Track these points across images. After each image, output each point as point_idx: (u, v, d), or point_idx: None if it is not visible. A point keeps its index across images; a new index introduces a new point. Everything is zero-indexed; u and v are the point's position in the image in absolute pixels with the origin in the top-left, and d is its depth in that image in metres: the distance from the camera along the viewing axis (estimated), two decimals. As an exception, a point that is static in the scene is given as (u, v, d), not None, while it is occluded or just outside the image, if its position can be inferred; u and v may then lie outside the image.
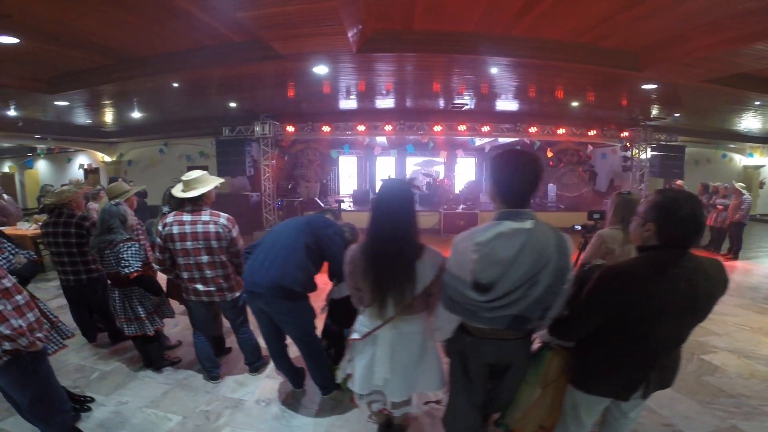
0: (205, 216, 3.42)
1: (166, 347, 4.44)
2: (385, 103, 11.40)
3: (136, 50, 6.99)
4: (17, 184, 16.34)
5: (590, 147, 13.51)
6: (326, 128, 11.85)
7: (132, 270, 3.42)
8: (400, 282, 2.17)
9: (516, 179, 1.88)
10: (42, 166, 16.74)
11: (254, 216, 12.17)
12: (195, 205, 3.45)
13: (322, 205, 12.64)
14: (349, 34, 5.65)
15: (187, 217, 3.40)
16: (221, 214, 3.48)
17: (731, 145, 15.73)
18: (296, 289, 3.04)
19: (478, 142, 14.93)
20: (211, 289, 3.51)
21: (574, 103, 10.56)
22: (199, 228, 3.37)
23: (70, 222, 4.22)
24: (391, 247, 2.17)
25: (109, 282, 3.82)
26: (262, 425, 3.24)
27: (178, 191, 3.54)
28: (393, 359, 2.29)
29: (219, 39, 6.40)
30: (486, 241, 1.84)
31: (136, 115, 11.85)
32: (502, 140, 14.14)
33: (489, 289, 1.85)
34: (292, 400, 3.55)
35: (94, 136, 13.82)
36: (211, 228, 3.39)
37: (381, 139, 15.00)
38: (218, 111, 11.80)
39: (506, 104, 11.30)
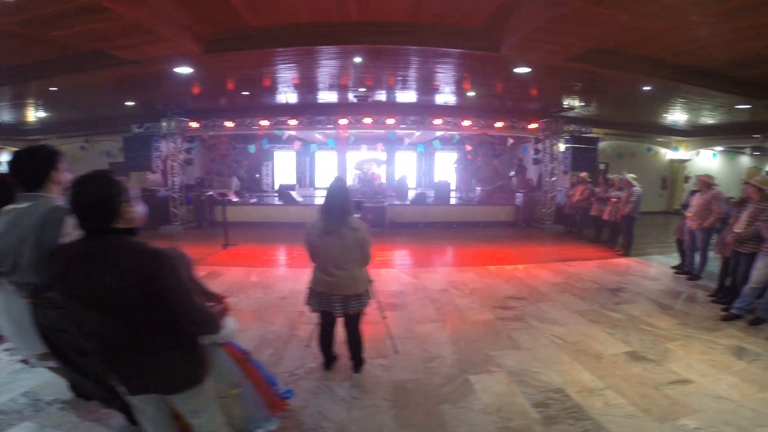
0: None
1: None
2: (289, 98, 10.35)
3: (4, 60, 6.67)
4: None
5: (510, 140, 12.24)
6: (229, 124, 10.90)
7: None
8: None
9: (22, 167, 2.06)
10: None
11: (161, 211, 11.02)
12: None
13: (234, 200, 11.50)
14: (181, 39, 5.42)
15: None
16: None
17: (659, 139, 14.40)
18: None
19: (413, 134, 13.80)
20: None
21: (471, 93, 9.35)
22: None
23: None
24: None
25: None
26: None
27: None
28: (10, 316, 2.29)
29: (70, 50, 6.12)
30: None
31: (44, 114, 11.02)
32: (440, 133, 13.07)
33: None
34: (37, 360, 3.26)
35: (14, 134, 12.78)
36: None
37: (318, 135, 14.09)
38: (131, 109, 10.94)
39: (410, 96, 10.12)
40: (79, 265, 1.47)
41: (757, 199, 4.68)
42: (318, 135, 14.83)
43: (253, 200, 12.85)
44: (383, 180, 15.13)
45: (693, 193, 6.51)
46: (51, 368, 2.68)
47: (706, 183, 6.12)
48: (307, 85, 9.02)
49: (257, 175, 14.81)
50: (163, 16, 4.95)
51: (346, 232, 3.00)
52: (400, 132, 13.43)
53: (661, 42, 5.65)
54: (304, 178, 16.41)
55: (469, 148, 12.53)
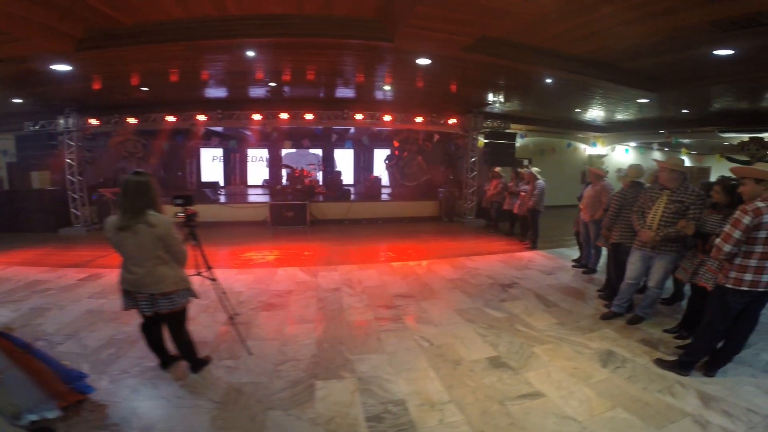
0: None
1: None
2: (196, 93, 9.55)
3: None
4: None
5: (436, 136, 11.98)
6: (132, 120, 10.07)
7: None
8: None
9: None
10: None
11: (60, 212, 9.92)
12: None
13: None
14: (45, 38, 5.09)
15: None
16: None
17: (579, 135, 14.74)
18: None
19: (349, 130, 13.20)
20: None
21: (387, 87, 8.97)
22: None
23: None
24: None
25: None
26: None
27: None
28: None
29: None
30: None
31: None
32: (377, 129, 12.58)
33: None
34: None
35: None
36: None
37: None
38: (24, 106, 9.78)
39: (330, 90, 9.59)
40: None
41: (625, 187, 4.60)
42: (247, 132, 14.05)
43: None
44: (318, 177, 14.57)
45: (587, 185, 6.42)
46: None
47: (596, 175, 6.05)
48: (207, 81, 8.34)
49: (179, 174, 13.73)
50: (13, 18, 4.55)
51: (140, 229, 2.72)
52: (336, 128, 12.93)
53: (547, 29, 5.39)
54: (234, 175, 15.45)
55: (396, 143, 12.20)
